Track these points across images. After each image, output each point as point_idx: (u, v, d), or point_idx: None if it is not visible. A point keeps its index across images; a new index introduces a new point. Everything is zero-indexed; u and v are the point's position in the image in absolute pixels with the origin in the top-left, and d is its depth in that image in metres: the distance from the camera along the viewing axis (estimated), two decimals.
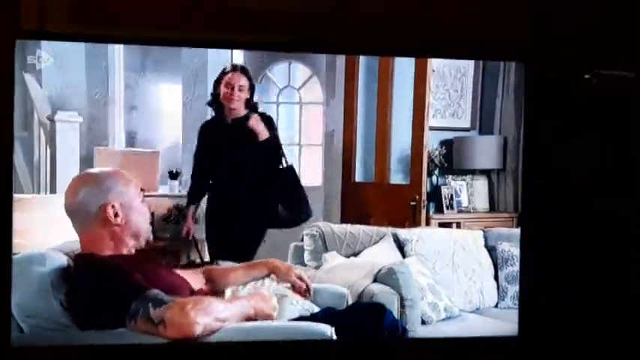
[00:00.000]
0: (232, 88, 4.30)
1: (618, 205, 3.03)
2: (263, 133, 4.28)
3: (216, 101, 4.37)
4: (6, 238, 2.64)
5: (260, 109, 4.46)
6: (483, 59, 5.16)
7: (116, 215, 2.71)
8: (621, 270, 3.09)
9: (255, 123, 4.27)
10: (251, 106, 4.35)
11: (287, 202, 4.28)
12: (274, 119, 4.58)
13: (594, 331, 3.05)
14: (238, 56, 4.61)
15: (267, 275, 3.13)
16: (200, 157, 4.40)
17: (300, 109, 6.77)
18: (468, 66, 5.85)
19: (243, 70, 4.41)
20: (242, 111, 4.31)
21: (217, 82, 4.37)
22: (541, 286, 3.04)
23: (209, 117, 4.53)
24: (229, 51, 4.48)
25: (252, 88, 4.39)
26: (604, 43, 2.93)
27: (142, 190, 2.87)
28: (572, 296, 3.05)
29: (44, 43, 4.48)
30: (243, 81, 4.35)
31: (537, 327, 3.03)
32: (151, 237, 2.90)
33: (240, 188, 4.21)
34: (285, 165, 4.41)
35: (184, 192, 4.84)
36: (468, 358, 3.05)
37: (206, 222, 4.38)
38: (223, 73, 4.37)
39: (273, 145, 4.35)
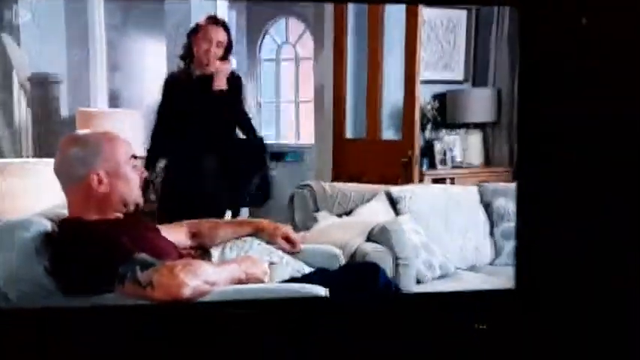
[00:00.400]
0: (210, 43, 3.91)
1: (616, 159, 2.95)
2: (230, 95, 4.01)
3: (189, 55, 3.98)
4: None
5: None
6: (477, 4, 5.06)
7: (100, 183, 2.62)
8: (618, 225, 3.03)
9: (222, 82, 3.97)
10: (225, 63, 4.00)
11: (250, 179, 4.02)
12: (243, 80, 4.15)
13: (592, 283, 3.00)
14: (222, 6, 4.41)
15: (255, 234, 3.06)
16: (163, 114, 4.03)
17: (296, 65, 6.72)
18: (460, 17, 5.78)
19: (223, 23, 4.01)
20: (213, 67, 3.94)
21: (194, 34, 3.96)
22: (537, 238, 2.97)
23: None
24: (214, 2, 4.28)
25: (229, 45, 3.99)
26: None
27: (134, 157, 2.77)
28: (568, 250, 2.99)
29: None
30: (222, 36, 3.94)
31: (534, 280, 2.98)
32: (141, 201, 2.81)
33: (202, 157, 3.94)
34: (254, 136, 4.09)
35: None
36: (464, 313, 2.99)
37: (162, 192, 4.09)
38: (201, 25, 3.97)
39: (240, 110, 4.07)
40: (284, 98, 6.93)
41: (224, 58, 3.94)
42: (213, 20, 3.98)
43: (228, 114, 3.97)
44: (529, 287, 3.00)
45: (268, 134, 6.96)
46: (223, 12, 4.33)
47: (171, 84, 4.00)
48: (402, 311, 2.96)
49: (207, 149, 3.90)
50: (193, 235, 3.02)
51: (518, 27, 2.93)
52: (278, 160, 6.22)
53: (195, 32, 3.94)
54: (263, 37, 7.00)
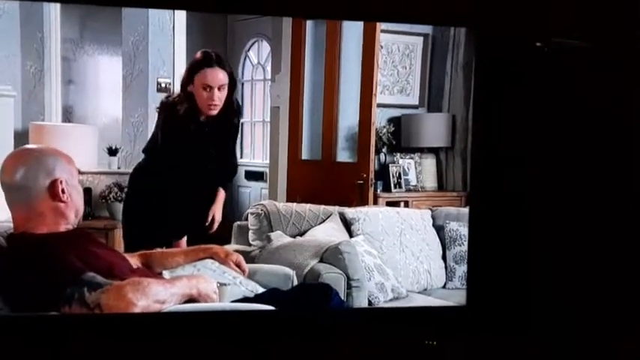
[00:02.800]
0: (211, 89, 3.58)
1: (570, 180, 3.00)
2: (235, 125, 3.88)
3: (188, 98, 3.62)
4: None
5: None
6: (434, 24, 5.11)
7: (63, 192, 2.62)
8: (566, 245, 3.08)
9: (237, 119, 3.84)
10: (232, 103, 3.72)
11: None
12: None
13: (540, 300, 3.04)
14: (180, 27, 4.36)
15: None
16: (159, 142, 3.69)
17: (264, 84, 6.75)
18: (416, 43, 5.82)
19: (219, 62, 3.61)
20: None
21: (190, 80, 3.60)
22: (489, 261, 3.01)
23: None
24: (171, 24, 4.21)
25: (232, 83, 3.67)
26: (557, 10, 2.88)
27: (78, 171, 2.78)
28: (519, 269, 3.04)
29: None
30: (223, 77, 3.59)
31: (485, 297, 3.01)
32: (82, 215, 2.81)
33: (196, 190, 3.80)
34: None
35: (125, 169, 4.72)
36: (414, 329, 3.00)
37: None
38: (196, 68, 3.60)
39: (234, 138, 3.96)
40: (256, 118, 6.98)
41: (229, 98, 3.68)
42: (207, 60, 3.61)
43: (226, 145, 3.87)
44: (480, 304, 3.03)
45: (246, 152, 6.97)
46: (182, 29, 4.24)
47: (173, 114, 3.67)
48: (354, 327, 2.96)
49: (199, 179, 3.78)
50: (144, 264, 2.99)
51: (474, 47, 2.97)
52: (256, 179, 6.23)
53: (191, 78, 3.62)
54: (244, 60, 7.06)
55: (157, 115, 3.77)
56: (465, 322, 3.02)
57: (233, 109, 3.74)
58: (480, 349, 2.97)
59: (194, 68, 3.60)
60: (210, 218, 3.83)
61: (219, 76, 3.58)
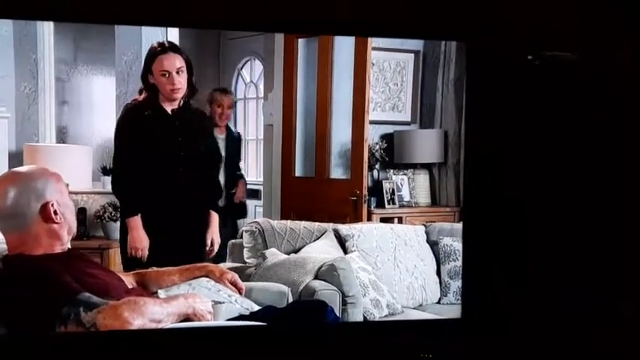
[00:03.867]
0: (170, 75, 3.65)
1: (563, 191, 3.01)
2: (207, 129, 3.99)
3: (151, 91, 3.70)
4: None
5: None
6: (425, 38, 5.14)
7: (55, 213, 2.62)
8: (561, 258, 3.10)
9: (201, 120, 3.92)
10: (193, 89, 3.78)
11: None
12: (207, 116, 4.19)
13: (535, 313, 3.06)
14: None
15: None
16: (136, 154, 3.68)
17: (257, 103, 6.78)
18: (407, 60, 5.85)
19: (174, 48, 3.72)
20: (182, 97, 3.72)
21: (148, 71, 3.69)
22: (483, 273, 3.02)
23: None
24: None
25: (190, 67, 3.73)
26: (547, 24, 2.90)
27: (66, 184, 2.77)
28: (513, 281, 3.05)
29: None
30: (179, 61, 3.67)
31: (480, 310, 3.02)
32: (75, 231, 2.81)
33: (186, 195, 3.78)
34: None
35: None
36: (410, 342, 3.01)
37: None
38: (152, 57, 3.68)
39: (215, 149, 4.06)
40: (250, 136, 7.00)
41: (190, 83, 3.75)
42: (161, 48, 3.70)
43: (199, 145, 3.87)
44: (475, 317, 3.04)
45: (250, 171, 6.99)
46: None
47: (140, 121, 3.72)
48: (350, 341, 2.97)
49: (187, 192, 3.77)
50: (139, 283, 2.99)
51: (466, 60, 2.99)
52: (250, 197, 6.24)
53: (148, 69, 3.70)
54: (237, 78, 7.09)
55: (115, 142, 3.79)
56: (460, 335, 3.03)
57: (193, 92, 3.80)
58: None
59: (150, 58, 3.70)
60: (209, 242, 3.84)
61: (175, 61, 3.66)
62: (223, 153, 4.89)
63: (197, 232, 3.84)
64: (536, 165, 3.01)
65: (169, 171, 3.69)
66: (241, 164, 6.08)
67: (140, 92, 3.77)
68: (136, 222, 3.64)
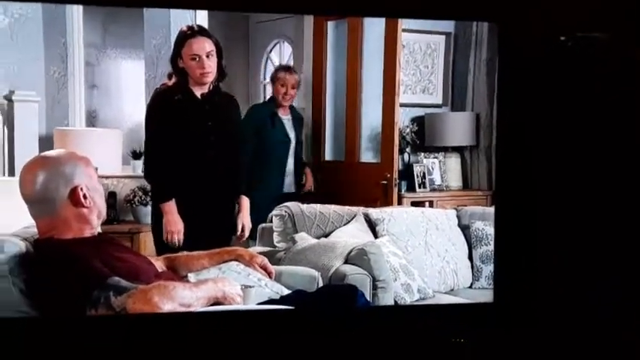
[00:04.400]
0: (200, 58, 3.63)
1: (595, 182, 2.97)
2: (236, 114, 3.95)
3: (181, 75, 3.69)
4: None
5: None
6: (457, 19, 5.09)
7: (85, 197, 2.61)
8: (591, 245, 3.05)
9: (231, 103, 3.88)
10: (222, 73, 3.77)
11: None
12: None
13: (568, 298, 3.02)
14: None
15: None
16: (167, 139, 3.66)
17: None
18: (438, 42, 5.81)
19: (203, 31, 3.73)
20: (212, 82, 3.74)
21: (177, 55, 3.68)
22: (515, 258, 2.99)
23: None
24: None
25: (220, 51, 3.72)
26: (579, 4, 2.84)
27: (95, 168, 2.77)
28: (546, 266, 3.01)
29: None
30: (208, 45, 3.66)
31: (513, 294, 2.99)
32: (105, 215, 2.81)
33: (216, 182, 3.77)
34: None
35: None
36: (442, 327, 2.99)
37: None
38: (182, 41, 3.67)
39: (240, 131, 3.97)
40: None
41: (220, 67, 3.74)
42: (191, 31, 3.69)
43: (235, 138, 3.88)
44: (507, 301, 3.01)
45: None
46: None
47: (170, 105, 3.69)
48: (381, 325, 2.95)
49: (218, 176, 3.77)
50: (169, 267, 2.99)
51: (498, 41, 2.94)
52: None
53: (178, 52, 3.69)
54: (266, 62, 7.08)
55: (145, 127, 3.79)
56: (493, 319, 3.01)
57: (223, 76, 3.79)
58: (508, 345, 2.95)
59: (179, 42, 3.69)
60: (240, 227, 3.84)
61: (205, 44, 3.65)
62: (291, 135, 5.02)
63: (228, 216, 3.84)
64: (568, 148, 2.96)
65: (200, 155, 3.69)
66: None
67: (169, 77, 3.76)
68: (171, 206, 3.65)
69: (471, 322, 2.99)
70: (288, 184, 5.04)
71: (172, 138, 3.66)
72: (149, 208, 4.24)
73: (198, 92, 3.71)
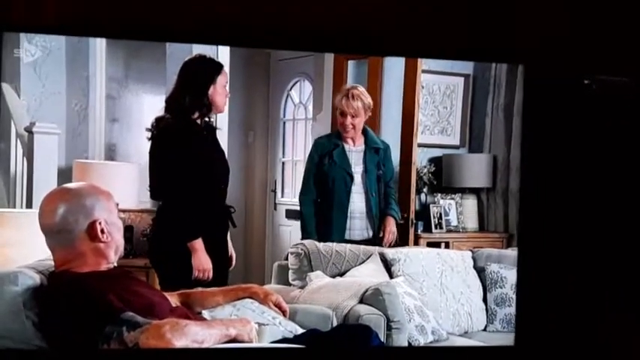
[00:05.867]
0: (225, 88, 3.76)
1: (619, 218, 2.96)
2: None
3: (203, 105, 3.69)
4: None
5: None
6: (483, 60, 5.10)
7: (102, 232, 2.62)
8: (616, 285, 3.04)
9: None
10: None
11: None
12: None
13: (588, 341, 3.00)
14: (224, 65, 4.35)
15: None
16: (185, 173, 3.65)
17: (305, 124, 6.78)
18: (457, 83, 5.82)
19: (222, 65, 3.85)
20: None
21: (212, 82, 3.70)
22: (536, 302, 2.98)
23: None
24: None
25: None
26: (603, 48, 2.86)
27: (116, 204, 2.78)
28: (566, 309, 3.00)
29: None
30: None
31: (533, 337, 2.98)
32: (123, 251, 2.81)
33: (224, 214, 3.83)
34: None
35: None
36: None
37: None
38: (218, 68, 3.76)
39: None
40: (297, 157, 6.99)
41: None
42: (221, 65, 3.80)
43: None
44: (528, 345, 2.99)
45: (287, 191, 6.98)
46: (225, 68, 4.22)
47: (187, 137, 3.69)
48: None
49: (224, 206, 3.81)
50: (183, 303, 2.99)
51: (523, 82, 2.95)
52: (297, 218, 6.19)
53: (212, 80, 3.72)
54: (286, 100, 7.10)
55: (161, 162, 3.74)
56: None
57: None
58: None
59: (215, 69, 3.76)
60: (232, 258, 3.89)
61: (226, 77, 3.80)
62: (357, 170, 4.52)
63: (226, 248, 3.87)
64: (591, 190, 2.96)
65: (214, 189, 3.70)
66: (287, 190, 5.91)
67: (166, 109, 3.75)
68: (200, 244, 3.62)
69: None
70: (359, 228, 4.44)
71: (188, 171, 3.64)
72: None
73: (200, 123, 3.74)
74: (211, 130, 3.81)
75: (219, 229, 3.76)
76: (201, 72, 3.71)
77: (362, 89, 4.56)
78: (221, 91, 3.72)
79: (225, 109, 3.94)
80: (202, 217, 3.66)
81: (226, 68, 3.87)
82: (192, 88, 3.69)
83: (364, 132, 4.56)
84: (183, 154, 3.64)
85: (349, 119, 4.46)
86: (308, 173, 4.42)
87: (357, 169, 4.48)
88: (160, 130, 3.70)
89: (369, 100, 4.52)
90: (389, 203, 4.59)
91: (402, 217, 4.75)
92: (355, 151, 4.52)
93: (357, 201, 4.44)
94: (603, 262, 3.05)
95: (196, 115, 3.70)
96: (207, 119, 3.78)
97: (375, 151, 4.55)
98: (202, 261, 3.62)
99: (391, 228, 4.53)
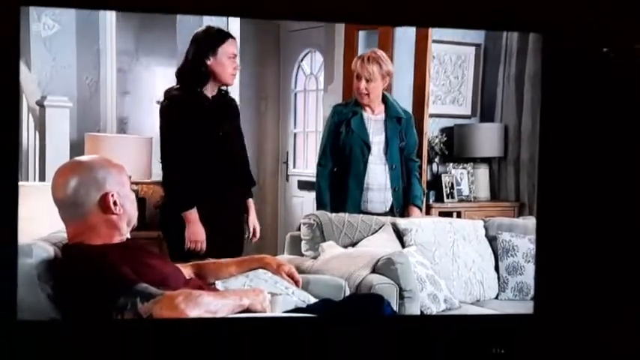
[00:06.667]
0: (234, 57, 3.66)
1: (635, 190, 2.95)
2: (238, 117, 3.89)
3: (200, 76, 3.65)
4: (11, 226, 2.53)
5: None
6: (502, 29, 5.07)
7: (115, 204, 2.62)
8: (631, 254, 3.03)
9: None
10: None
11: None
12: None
13: (608, 309, 3.00)
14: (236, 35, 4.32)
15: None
16: (186, 143, 3.62)
17: (317, 95, 6.78)
18: (468, 53, 5.81)
19: (232, 36, 3.75)
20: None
21: (211, 53, 3.62)
22: (555, 266, 2.97)
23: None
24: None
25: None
26: (622, 16, 2.84)
27: (129, 176, 2.79)
28: (585, 278, 2.99)
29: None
30: (236, 49, 3.71)
31: (552, 306, 2.98)
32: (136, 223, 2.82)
33: (233, 180, 3.76)
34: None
35: None
36: (482, 337, 2.99)
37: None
38: (220, 38, 3.65)
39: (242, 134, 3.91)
40: (309, 128, 7.00)
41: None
42: (228, 34, 3.73)
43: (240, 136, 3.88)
44: (547, 313, 2.99)
45: (299, 162, 7.00)
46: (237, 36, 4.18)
47: (187, 108, 3.65)
48: (418, 333, 2.95)
49: (233, 178, 3.77)
50: (196, 274, 3.00)
51: (542, 52, 2.93)
52: (309, 189, 6.19)
53: (213, 50, 3.64)
54: (297, 70, 7.09)
55: (163, 134, 3.73)
56: (533, 331, 3.00)
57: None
58: (547, 357, 2.94)
59: (217, 39, 3.67)
60: (251, 229, 3.87)
61: (235, 47, 3.71)
62: (375, 139, 4.27)
63: (240, 220, 3.85)
64: (610, 159, 2.95)
65: (216, 162, 3.68)
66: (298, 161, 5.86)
67: (178, 77, 3.73)
68: (194, 215, 3.62)
69: (511, 333, 2.99)
70: (378, 201, 4.27)
71: (190, 142, 3.63)
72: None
73: (209, 94, 3.70)
74: (222, 101, 3.77)
75: (229, 200, 3.75)
76: (202, 42, 3.67)
77: (381, 54, 4.27)
78: (224, 61, 3.64)
79: (236, 82, 3.94)
80: (200, 188, 3.65)
81: (237, 40, 3.80)
82: (192, 59, 3.66)
83: (385, 100, 4.31)
84: (180, 124, 3.62)
85: (363, 83, 4.21)
86: (325, 141, 4.32)
87: (377, 139, 4.25)
88: (164, 100, 3.71)
89: (388, 66, 4.23)
90: (412, 185, 4.36)
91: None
92: (375, 120, 4.29)
93: (376, 172, 4.24)
94: (621, 229, 3.04)
95: (204, 86, 3.68)
96: (222, 91, 3.77)
97: (397, 121, 4.29)
98: (194, 232, 3.62)
99: (418, 212, 4.39)
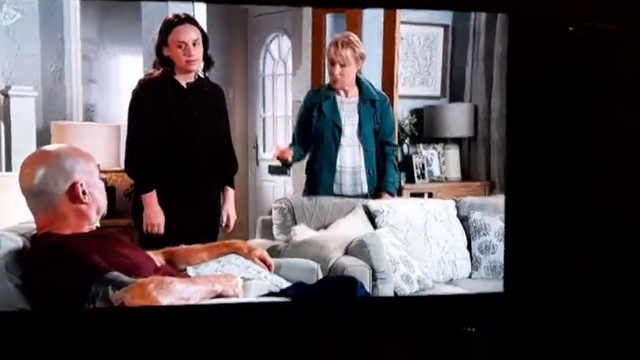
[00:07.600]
0: (186, 46, 3.63)
1: (603, 167, 2.97)
2: (223, 104, 3.92)
3: (165, 64, 3.68)
4: None
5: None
6: (467, 10, 5.07)
7: (84, 193, 2.62)
8: (599, 232, 3.06)
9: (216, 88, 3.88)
10: (209, 62, 3.79)
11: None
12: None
13: (577, 286, 3.04)
14: (200, 23, 4.28)
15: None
16: (149, 130, 3.64)
17: (285, 79, 6.75)
18: (437, 34, 5.81)
19: (190, 19, 3.70)
20: (198, 70, 3.76)
21: (163, 42, 3.66)
22: (525, 247, 3.00)
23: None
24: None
25: (206, 39, 3.72)
26: None
27: (97, 165, 2.77)
28: (555, 255, 3.02)
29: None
30: (195, 33, 3.67)
31: (522, 284, 3.02)
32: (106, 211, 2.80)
33: (200, 176, 3.76)
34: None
35: None
36: (453, 316, 3.02)
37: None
38: (169, 27, 3.66)
39: (226, 122, 3.94)
40: (278, 113, 6.97)
41: (206, 56, 3.76)
42: (177, 19, 3.68)
43: (216, 122, 3.87)
44: (517, 290, 3.02)
45: (269, 146, 6.96)
46: (202, 25, 4.15)
47: (155, 94, 3.68)
48: (390, 315, 2.96)
49: (203, 167, 3.75)
50: (168, 261, 2.99)
51: (508, 32, 2.94)
52: (279, 173, 6.16)
53: (164, 40, 3.67)
54: (265, 55, 7.06)
55: (128, 117, 3.75)
56: (503, 309, 3.02)
57: (209, 66, 3.80)
58: (518, 334, 2.97)
59: (166, 29, 3.67)
60: (225, 218, 3.84)
61: (191, 32, 3.66)
62: (346, 121, 4.25)
63: (212, 207, 3.85)
64: (576, 137, 2.97)
65: (184, 146, 3.67)
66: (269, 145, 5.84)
67: (154, 66, 3.74)
68: (151, 198, 3.64)
69: (482, 311, 3.00)
70: (350, 184, 4.22)
71: (156, 128, 3.64)
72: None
73: (183, 82, 3.70)
74: (197, 88, 3.75)
75: (199, 187, 3.73)
76: (160, 31, 3.69)
77: (354, 38, 4.26)
78: (175, 50, 3.64)
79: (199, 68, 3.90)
80: (162, 173, 3.66)
81: (200, 25, 3.77)
82: (155, 47, 3.71)
83: (358, 83, 4.29)
84: (143, 108, 3.66)
85: (338, 68, 4.17)
86: (296, 125, 4.34)
87: (349, 122, 4.23)
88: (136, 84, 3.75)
89: (360, 49, 4.22)
90: (386, 170, 4.29)
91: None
92: (348, 103, 4.26)
93: (349, 155, 4.21)
94: (591, 208, 3.07)
95: (173, 73, 3.69)
96: (200, 77, 3.77)
97: (371, 104, 4.27)
98: (151, 215, 3.65)
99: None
